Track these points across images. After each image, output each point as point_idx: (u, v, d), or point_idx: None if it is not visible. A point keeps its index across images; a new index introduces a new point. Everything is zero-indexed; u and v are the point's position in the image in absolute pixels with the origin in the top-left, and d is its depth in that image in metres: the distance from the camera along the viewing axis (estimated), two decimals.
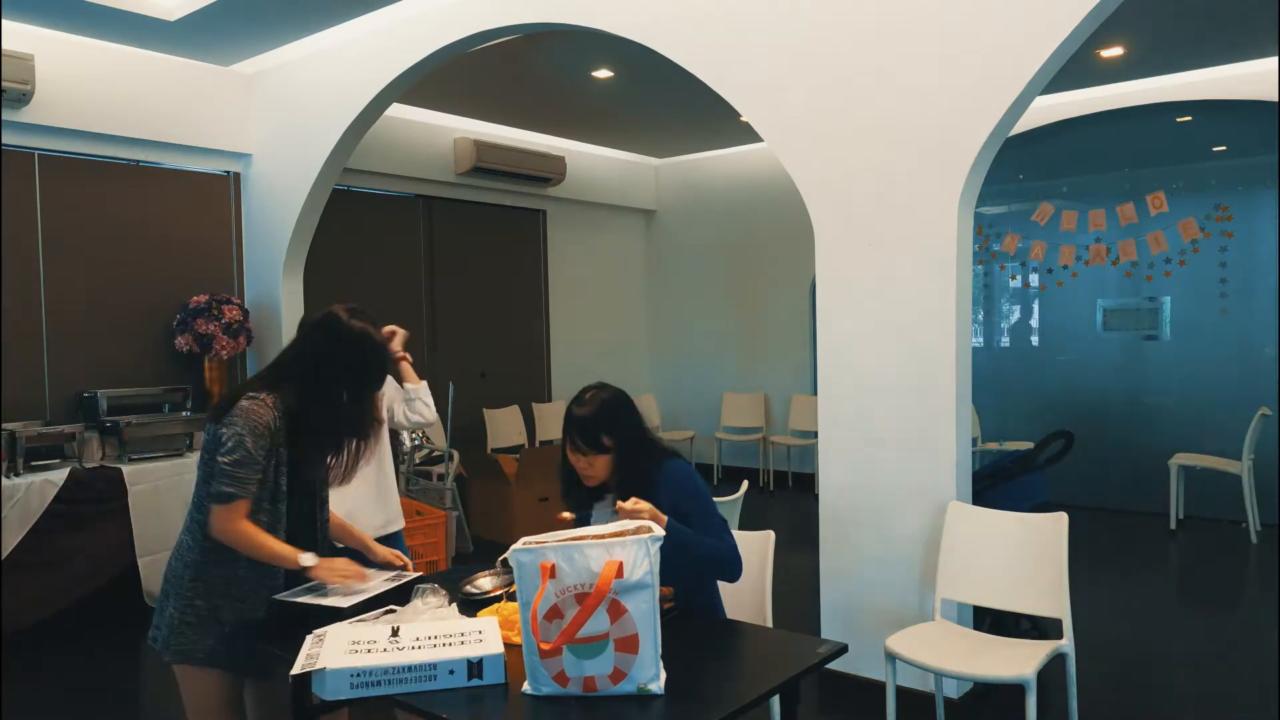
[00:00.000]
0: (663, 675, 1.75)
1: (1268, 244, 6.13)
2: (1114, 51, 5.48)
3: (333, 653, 1.80)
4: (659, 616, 1.75)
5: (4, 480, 4.22)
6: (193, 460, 4.76)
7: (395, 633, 1.90)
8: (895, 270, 3.36)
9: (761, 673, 1.99)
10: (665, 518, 2.19)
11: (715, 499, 2.48)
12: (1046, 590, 2.86)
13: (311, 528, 2.32)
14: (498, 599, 2.26)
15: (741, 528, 2.81)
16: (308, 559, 2.13)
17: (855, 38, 3.38)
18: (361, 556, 2.41)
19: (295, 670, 1.77)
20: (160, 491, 4.67)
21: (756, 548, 2.65)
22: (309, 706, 1.89)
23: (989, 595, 3.03)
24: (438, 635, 1.88)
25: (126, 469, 4.59)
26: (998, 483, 3.82)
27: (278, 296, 5.52)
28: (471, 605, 2.27)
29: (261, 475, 2.11)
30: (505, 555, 1.81)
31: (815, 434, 3.75)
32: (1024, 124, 6.25)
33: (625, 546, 1.73)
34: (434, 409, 3.19)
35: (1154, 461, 6.31)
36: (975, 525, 3.09)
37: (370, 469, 2.86)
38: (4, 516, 4.15)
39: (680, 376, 8.72)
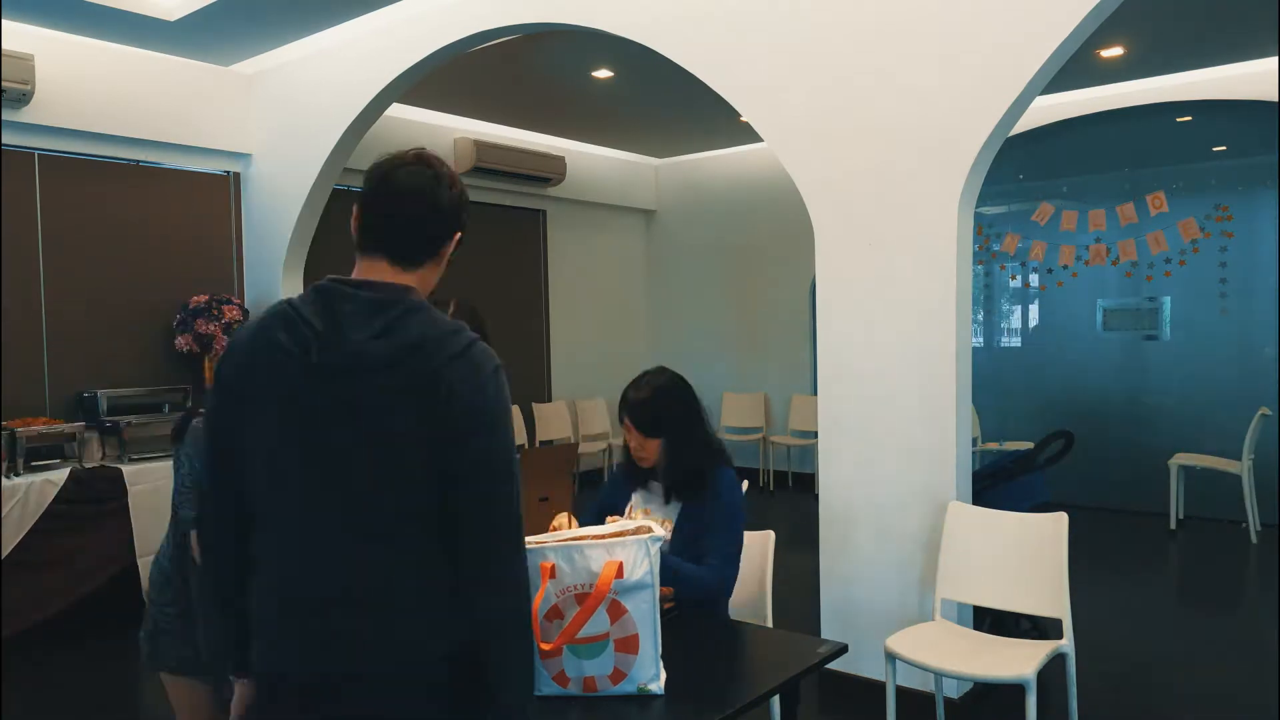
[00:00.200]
0: (663, 675, 1.75)
1: (1268, 244, 6.13)
2: (1114, 51, 5.48)
3: None
4: (659, 616, 1.75)
5: (4, 480, 4.22)
6: None
7: None
8: (895, 270, 3.36)
9: (761, 673, 1.99)
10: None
11: None
12: (1046, 590, 2.86)
13: None
14: None
15: None
16: None
17: (855, 38, 3.38)
18: None
19: None
20: (160, 491, 4.64)
21: (756, 548, 2.65)
22: None
23: (989, 595, 3.03)
24: None
25: (126, 469, 4.59)
26: (998, 483, 3.82)
27: (278, 296, 5.49)
28: None
29: None
30: None
31: (815, 434, 3.75)
32: (1024, 124, 6.25)
33: (625, 547, 1.73)
34: None
35: (1154, 461, 6.30)
36: (975, 525, 3.10)
37: None
38: (4, 516, 4.15)
39: None
